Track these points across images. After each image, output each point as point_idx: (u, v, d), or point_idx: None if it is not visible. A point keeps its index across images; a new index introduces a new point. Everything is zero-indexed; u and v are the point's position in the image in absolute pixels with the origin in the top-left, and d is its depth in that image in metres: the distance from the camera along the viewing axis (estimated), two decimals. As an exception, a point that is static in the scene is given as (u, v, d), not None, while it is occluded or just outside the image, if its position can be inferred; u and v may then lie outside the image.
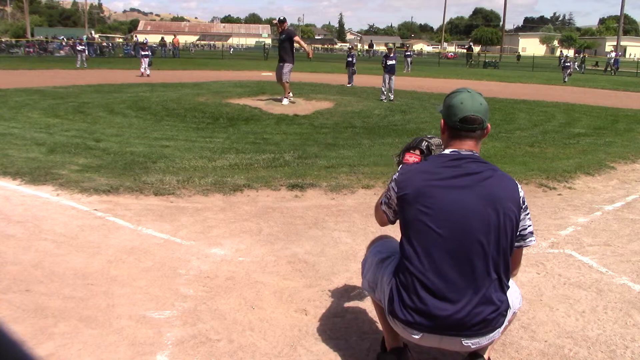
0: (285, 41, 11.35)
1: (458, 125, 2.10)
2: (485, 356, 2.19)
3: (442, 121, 2.18)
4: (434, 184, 2.04)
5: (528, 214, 2.09)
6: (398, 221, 2.17)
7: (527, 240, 2.10)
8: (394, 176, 2.16)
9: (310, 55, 13.94)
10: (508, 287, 2.08)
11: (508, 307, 2.07)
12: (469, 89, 2.17)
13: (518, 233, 2.06)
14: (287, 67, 11.31)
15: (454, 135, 2.13)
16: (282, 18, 11.76)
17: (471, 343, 2.02)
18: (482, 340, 2.04)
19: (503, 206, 2.00)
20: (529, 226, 2.09)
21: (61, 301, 2.83)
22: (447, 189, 2.02)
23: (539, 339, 2.61)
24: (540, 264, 3.55)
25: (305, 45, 12.42)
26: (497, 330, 2.05)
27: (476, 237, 1.97)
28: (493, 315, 2.00)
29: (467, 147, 2.11)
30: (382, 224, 2.30)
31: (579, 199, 5.20)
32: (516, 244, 2.07)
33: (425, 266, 1.99)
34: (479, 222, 1.98)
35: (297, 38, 11.56)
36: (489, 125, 2.15)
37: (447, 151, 2.13)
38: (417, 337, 2.04)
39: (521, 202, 2.05)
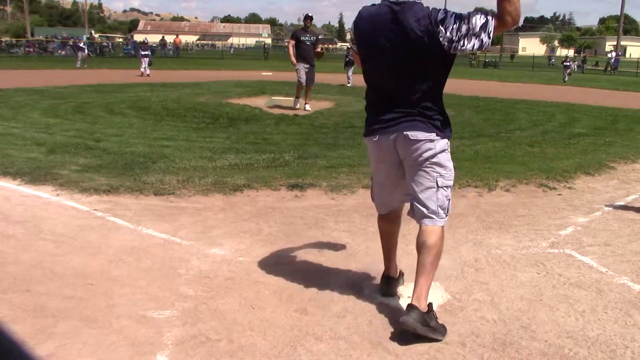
0: (315, 43, 10.71)
1: None
2: (422, 306, 2.56)
3: None
4: (374, 21, 2.60)
5: (455, 22, 2.41)
6: None
7: (459, 43, 2.43)
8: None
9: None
10: (439, 106, 2.63)
11: (439, 118, 2.62)
12: None
13: (446, 43, 2.43)
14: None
15: None
16: (311, 15, 10.91)
17: (410, 134, 2.59)
18: (419, 134, 2.58)
19: (412, 26, 2.46)
20: (456, 30, 2.41)
21: (61, 301, 2.83)
22: (376, 24, 2.58)
23: (539, 339, 2.61)
24: (540, 264, 3.55)
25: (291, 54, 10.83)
26: (432, 134, 2.59)
27: (390, 59, 2.56)
28: (424, 115, 2.59)
29: None
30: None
31: (579, 199, 5.19)
32: (453, 46, 2.43)
33: (370, 86, 2.77)
34: (391, 45, 2.52)
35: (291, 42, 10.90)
36: None
37: None
38: (375, 139, 2.71)
39: (438, 15, 2.44)
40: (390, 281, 3.05)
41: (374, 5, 2.65)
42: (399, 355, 2.44)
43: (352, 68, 18.29)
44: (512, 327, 2.71)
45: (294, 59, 10.69)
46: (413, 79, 2.56)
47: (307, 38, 10.65)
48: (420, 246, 2.66)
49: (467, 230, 4.20)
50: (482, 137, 8.35)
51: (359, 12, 2.69)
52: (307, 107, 10.90)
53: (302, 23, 11.82)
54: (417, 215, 2.73)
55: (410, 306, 2.56)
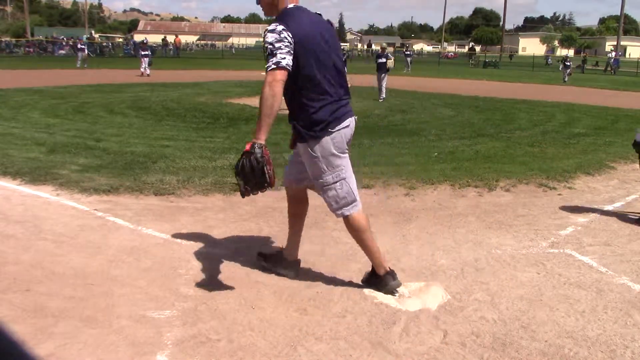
0: None
1: None
2: None
3: None
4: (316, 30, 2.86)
5: None
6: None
7: None
8: (275, 35, 2.68)
9: None
10: None
11: None
12: None
13: None
14: None
15: None
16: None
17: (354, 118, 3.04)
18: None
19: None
20: None
21: (61, 301, 2.83)
22: (319, 30, 2.88)
23: (539, 339, 2.61)
24: (540, 264, 3.55)
25: None
26: None
27: (335, 55, 2.95)
28: None
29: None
30: (279, 91, 2.66)
31: (579, 199, 5.19)
32: None
33: (316, 83, 2.90)
34: (332, 44, 2.95)
35: None
36: None
37: (292, 5, 2.86)
38: (347, 125, 2.93)
39: None
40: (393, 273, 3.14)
41: (304, 12, 2.88)
42: (399, 355, 2.44)
43: (345, 68, 18.18)
44: (512, 327, 2.71)
45: None
46: (343, 70, 3.05)
47: None
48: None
49: (467, 230, 4.20)
50: (482, 137, 8.35)
51: (296, 21, 2.77)
52: None
53: None
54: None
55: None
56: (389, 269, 3.06)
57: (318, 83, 2.82)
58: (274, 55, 2.64)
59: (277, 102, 2.62)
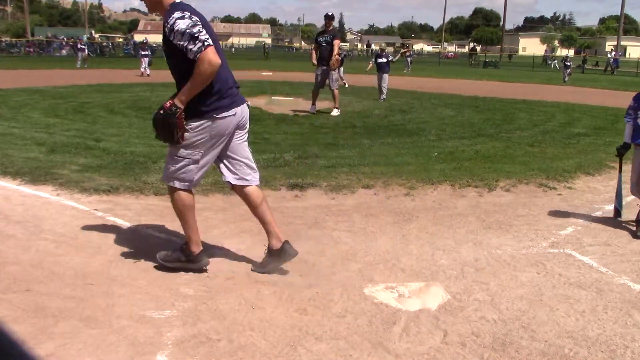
0: (331, 43, 9.94)
1: None
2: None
3: None
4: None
5: None
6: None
7: None
8: (187, 20, 2.80)
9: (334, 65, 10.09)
10: None
11: None
12: None
13: None
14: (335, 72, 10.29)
15: None
16: (331, 14, 10.24)
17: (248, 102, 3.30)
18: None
19: None
20: None
21: (61, 301, 2.83)
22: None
23: (539, 339, 2.61)
24: (540, 264, 3.55)
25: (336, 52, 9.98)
26: None
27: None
28: None
29: None
30: (217, 65, 2.85)
31: (579, 199, 5.20)
32: None
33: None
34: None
35: (337, 42, 10.06)
36: None
37: (179, 0, 2.95)
38: (236, 112, 3.09)
39: None
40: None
41: (189, 6, 2.97)
42: (399, 355, 2.44)
43: (342, 68, 18.22)
44: (512, 327, 2.71)
45: (313, 60, 10.33)
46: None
47: (323, 39, 10.14)
48: (263, 201, 3.24)
49: (467, 230, 4.20)
50: (482, 137, 8.35)
51: (190, 9, 2.90)
52: (334, 112, 10.27)
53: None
54: (249, 177, 3.22)
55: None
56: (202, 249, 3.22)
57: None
58: (198, 37, 2.78)
59: (213, 77, 2.87)
